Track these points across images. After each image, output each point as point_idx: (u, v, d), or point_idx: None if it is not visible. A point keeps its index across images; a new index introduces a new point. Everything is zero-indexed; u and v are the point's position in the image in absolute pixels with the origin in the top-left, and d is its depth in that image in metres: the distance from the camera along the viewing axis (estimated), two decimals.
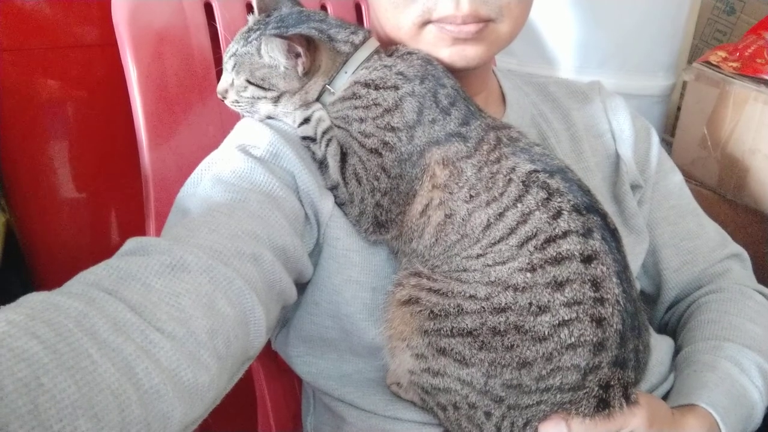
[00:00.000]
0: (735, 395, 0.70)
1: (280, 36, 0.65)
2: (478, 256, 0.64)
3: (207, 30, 0.90)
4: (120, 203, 1.28)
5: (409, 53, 0.70)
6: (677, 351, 0.80)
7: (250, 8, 0.92)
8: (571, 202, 0.63)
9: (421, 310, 0.64)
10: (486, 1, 0.67)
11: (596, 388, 0.60)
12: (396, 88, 0.67)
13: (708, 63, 1.24)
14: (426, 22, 0.69)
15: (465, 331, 0.61)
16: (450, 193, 0.65)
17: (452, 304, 0.62)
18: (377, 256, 0.70)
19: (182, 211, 0.64)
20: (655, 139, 0.90)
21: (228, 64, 0.71)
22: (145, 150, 0.86)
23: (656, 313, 0.91)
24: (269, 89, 0.69)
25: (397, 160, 0.66)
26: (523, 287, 0.61)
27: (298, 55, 0.67)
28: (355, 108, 0.68)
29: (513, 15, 0.70)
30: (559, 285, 0.60)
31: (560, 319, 0.60)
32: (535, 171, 0.64)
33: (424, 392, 0.66)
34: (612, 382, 0.61)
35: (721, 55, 1.26)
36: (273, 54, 0.67)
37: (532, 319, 0.60)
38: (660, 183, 0.89)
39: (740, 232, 1.04)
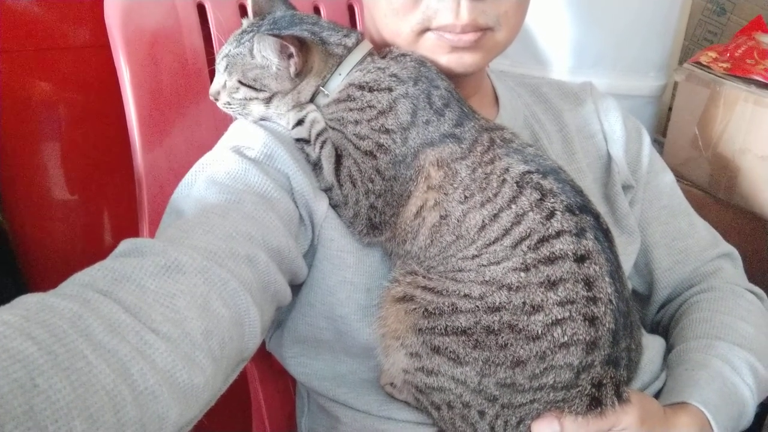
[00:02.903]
0: (726, 393, 0.70)
1: (273, 35, 0.65)
2: (474, 256, 0.64)
3: (200, 31, 0.90)
4: (113, 205, 1.28)
5: (403, 55, 0.70)
6: (669, 350, 0.80)
7: (243, 10, 0.92)
8: (564, 203, 0.64)
9: (415, 308, 0.64)
10: (484, 10, 0.68)
11: (589, 387, 0.61)
12: (390, 90, 0.68)
13: (699, 63, 1.25)
14: (425, 30, 0.70)
15: (459, 329, 0.62)
16: (445, 194, 0.65)
17: (447, 303, 0.63)
18: (371, 257, 0.71)
19: (176, 212, 0.64)
20: (647, 139, 0.91)
21: (220, 65, 0.71)
22: (138, 151, 0.85)
23: (648, 313, 0.92)
24: (261, 90, 0.69)
25: (391, 162, 0.66)
26: (517, 287, 0.61)
27: (290, 56, 0.67)
28: (350, 110, 0.68)
29: (510, 23, 0.71)
30: (552, 284, 0.61)
31: (553, 318, 0.60)
32: (529, 172, 0.65)
33: (418, 391, 0.66)
34: (604, 381, 0.61)
35: (712, 55, 1.26)
36: (265, 53, 0.67)
37: (525, 318, 0.60)
38: (651, 183, 0.89)
39: (731, 231, 1.05)
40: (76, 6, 1.14)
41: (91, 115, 1.20)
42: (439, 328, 0.63)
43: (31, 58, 1.13)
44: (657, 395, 0.73)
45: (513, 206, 0.64)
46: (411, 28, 0.70)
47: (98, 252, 0.54)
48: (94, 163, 1.24)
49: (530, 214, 0.63)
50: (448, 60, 0.71)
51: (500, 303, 0.61)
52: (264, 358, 0.88)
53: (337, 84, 0.70)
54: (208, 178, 0.65)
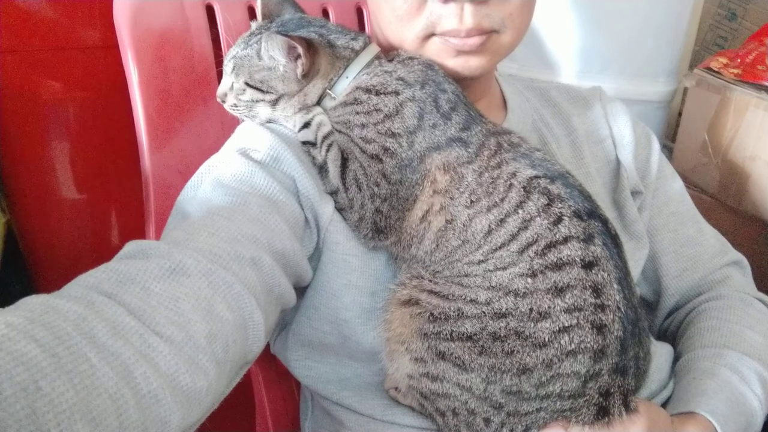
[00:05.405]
0: (734, 403, 0.69)
1: (282, 35, 0.65)
2: (480, 261, 0.64)
3: (208, 32, 0.90)
4: (120, 205, 1.29)
5: (410, 58, 0.70)
6: (677, 358, 0.79)
7: (252, 12, 0.92)
8: (572, 208, 0.63)
9: (420, 312, 0.64)
10: (489, 13, 0.67)
11: (596, 396, 0.60)
12: (397, 93, 0.67)
13: (709, 69, 1.24)
14: (430, 35, 0.69)
15: (465, 335, 0.61)
16: (451, 198, 0.65)
17: (452, 308, 0.62)
18: (376, 261, 0.70)
19: (182, 214, 0.64)
20: (656, 145, 0.90)
21: (228, 66, 0.71)
22: (145, 152, 0.86)
23: (656, 320, 0.91)
24: (268, 92, 0.69)
25: (397, 166, 0.66)
26: (524, 293, 0.61)
27: (297, 57, 0.67)
28: (357, 113, 0.68)
29: (515, 25, 0.70)
30: (559, 291, 0.60)
31: (561, 325, 0.60)
32: (536, 176, 0.64)
33: (422, 397, 0.66)
34: (612, 390, 0.61)
35: (722, 61, 1.26)
36: (273, 53, 0.67)
37: (532, 324, 0.60)
38: (660, 189, 0.89)
39: (740, 238, 1.04)
40: (85, 6, 1.14)
41: (100, 115, 1.21)
42: (444, 333, 0.62)
43: (40, 58, 1.14)
44: (665, 405, 0.72)
45: (520, 211, 0.63)
46: (416, 34, 0.69)
47: (105, 251, 0.55)
48: (101, 163, 1.25)
49: (537, 219, 0.62)
50: (454, 64, 0.71)
51: (507, 309, 0.61)
52: (268, 360, 0.88)
53: (344, 87, 0.70)
54: (214, 180, 0.65)
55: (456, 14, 0.66)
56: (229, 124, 0.80)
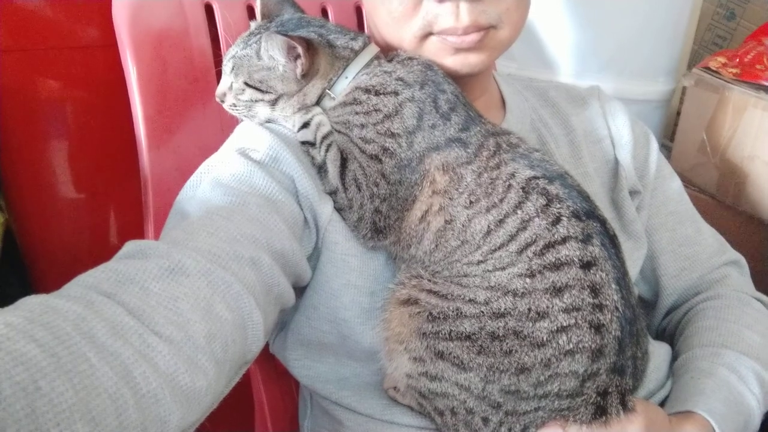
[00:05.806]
0: (732, 402, 0.70)
1: (282, 34, 0.65)
2: (479, 262, 0.64)
3: (207, 32, 0.90)
4: (119, 204, 1.28)
5: (409, 59, 0.70)
6: (675, 357, 0.80)
7: (251, 11, 0.92)
8: (571, 208, 0.63)
9: (419, 312, 0.64)
10: (485, 10, 0.67)
11: (594, 395, 0.61)
12: (396, 93, 0.67)
13: (708, 69, 1.24)
14: (427, 35, 0.70)
15: (464, 335, 0.62)
16: (450, 198, 0.65)
17: (451, 307, 0.62)
18: (376, 261, 0.70)
19: (181, 213, 0.64)
20: (654, 144, 0.90)
21: (227, 66, 0.71)
22: (144, 151, 0.86)
23: (654, 319, 0.91)
24: (267, 92, 0.69)
25: (396, 167, 0.66)
26: (523, 293, 0.61)
27: (297, 57, 0.67)
28: (356, 114, 0.68)
29: (512, 20, 0.70)
30: (558, 291, 0.60)
31: (559, 325, 0.60)
32: (535, 177, 0.65)
33: (421, 396, 0.66)
34: (610, 389, 0.61)
35: (721, 60, 1.26)
36: (272, 53, 0.67)
37: (530, 324, 0.60)
38: (659, 189, 0.89)
39: (738, 238, 1.04)
40: (84, 5, 1.14)
41: (99, 114, 1.20)
42: (443, 332, 0.62)
43: (39, 57, 1.14)
44: (662, 403, 0.73)
45: (519, 212, 0.63)
46: (413, 34, 0.70)
47: (104, 251, 0.55)
48: (100, 162, 1.24)
49: (536, 219, 0.63)
50: (452, 62, 0.71)
51: (505, 309, 0.61)
52: (267, 359, 0.88)
53: (343, 87, 0.70)
54: (213, 179, 0.65)
55: (452, 12, 0.66)
56: (228, 123, 0.80)
